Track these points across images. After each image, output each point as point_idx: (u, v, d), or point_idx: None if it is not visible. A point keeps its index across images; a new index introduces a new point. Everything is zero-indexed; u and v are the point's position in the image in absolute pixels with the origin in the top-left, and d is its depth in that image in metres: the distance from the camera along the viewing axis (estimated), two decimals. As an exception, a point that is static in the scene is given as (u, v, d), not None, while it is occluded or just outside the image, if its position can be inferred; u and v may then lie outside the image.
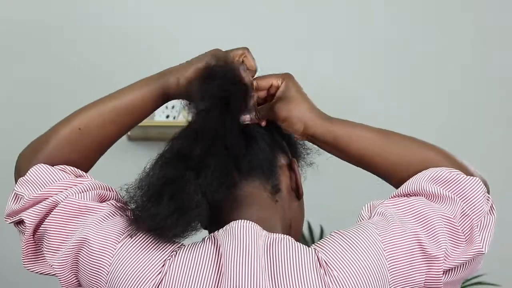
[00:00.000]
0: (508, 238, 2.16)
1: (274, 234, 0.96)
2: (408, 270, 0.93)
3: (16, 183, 1.04)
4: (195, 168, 0.96)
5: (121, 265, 0.94)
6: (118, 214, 1.00)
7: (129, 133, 2.15)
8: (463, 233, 0.97)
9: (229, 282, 0.90)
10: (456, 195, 0.99)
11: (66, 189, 1.00)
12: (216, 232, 0.97)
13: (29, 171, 1.02)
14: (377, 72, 2.38)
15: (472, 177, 1.01)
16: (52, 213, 0.99)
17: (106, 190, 1.04)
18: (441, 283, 0.95)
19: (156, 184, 0.96)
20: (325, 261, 0.92)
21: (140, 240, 0.96)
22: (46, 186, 1.00)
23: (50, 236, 0.99)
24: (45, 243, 1.00)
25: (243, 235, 0.94)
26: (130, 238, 0.96)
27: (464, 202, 0.99)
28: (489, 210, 1.02)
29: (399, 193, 1.03)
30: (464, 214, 0.98)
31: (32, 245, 1.02)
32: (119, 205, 1.01)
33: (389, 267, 0.93)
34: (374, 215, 0.99)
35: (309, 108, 1.05)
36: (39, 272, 1.02)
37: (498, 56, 2.40)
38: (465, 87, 2.40)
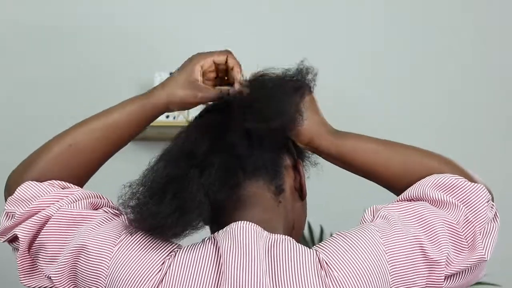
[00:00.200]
0: (508, 238, 2.15)
1: (275, 235, 0.96)
2: (409, 273, 0.93)
3: (6, 202, 1.04)
4: (199, 166, 0.97)
5: (119, 267, 0.94)
6: (113, 219, 1.00)
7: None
8: (465, 239, 0.97)
9: (229, 282, 0.90)
10: (460, 202, 0.99)
11: (58, 201, 1.00)
12: (216, 233, 0.97)
13: (17, 189, 1.02)
14: (377, 72, 2.38)
15: (476, 184, 1.01)
16: (46, 225, 0.99)
17: (98, 198, 1.04)
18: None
19: (159, 182, 0.97)
20: (326, 262, 0.92)
21: (138, 242, 0.96)
22: (36, 199, 1.00)
23: (47, 248, 0.99)
24: (42, 256, 1.00)
25: (243, 236, 0.94)
26: (127, 240, 0.96)
27: (468, 209, 0.99)
28: (493, 218, 1.02)
29: (402, 198, 1.03)
30: (467, 220, 0.98)
31: (28, 260, 1.02)
32: (112, 211, 1.02)
33: (390, 269, 0.93)
34: (376, 218, 0.99)
35: (318, 122, 1.05)
36: (37, 287, 1.02)
37: (498, 56, 2.40)
38: (465, 87, 2.40)
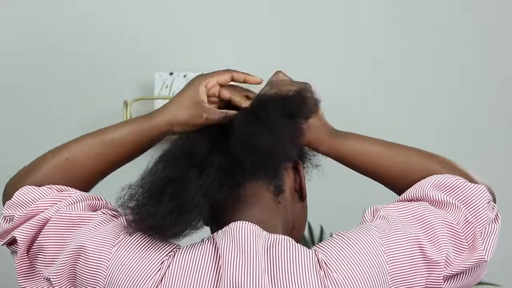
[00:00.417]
0: (508, 238, 2.15)
1: (274, 235, 0.96)
2: (408, 274, 0.93)
3: (4, 206, 1.04)
4: (198, 167, 0.97)
5: (118, 268, 0.94)
6: (111, 220, 1.00)
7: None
8: (466, 240, 0.97)
9: (228, 282, 0.90)
10: (460, 202, 0.99)
11: (56, 203, 1.00)
12: (215, 233, 0.97)
13: (15, 194, 1.02)
14: (377, 72, 2.38)
15: (476, 184, 1.00)
16: (45, 227, 0.99)
17: (96, 200, 1.04)
18: None
19: (158, 183, 0.97)
20: (325, 262, 0.92)
21: (137, 242, 0.96)
22: (35, 202, 1.00)
23: (46, 250, 0.99)
24: (41, 258, 1.00)
25: (242, 236, 0.94)
26: (126, 240, 0.96)
27: (468, 209, 0.99)
28: (494, 219, 1.02)
29: (403, 198, 1.03)
30: (467, 221, 0.98)
31: (26, 263, 1.02)
32: (111, 212, 1.02)
33: (389, 270, 0.93)
34: (376, 218, 0.99)
35: (318, 124, 1.05)
36: None
37: (498, 56, 2.40)
38: (465, 87, 2.39)
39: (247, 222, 0.96)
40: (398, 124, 2.30)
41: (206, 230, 1.04)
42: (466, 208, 0.99)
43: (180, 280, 0.92)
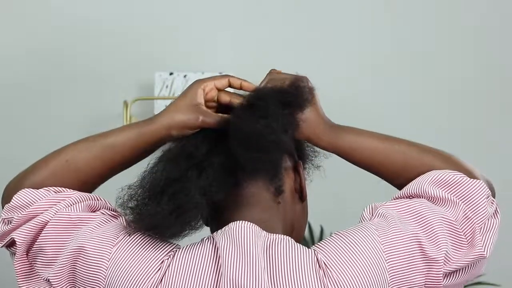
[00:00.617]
0: (508, 238, 2.15)
1: (274, 234, 0.96)
2: (407, 272, 0.93)
3: (3, 210, 1.04)
4: (197, 167, 0.97)
5: (118, 268, 0.94)
6: (111, 220, 1.00)
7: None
8: (464, 236, 0.97)
9: (228, 281, 0.90)
10: (458, 198, 0.99)
11: (55, 205, 1.00)
12: (215, 233, 0.97)
13: (14, 197, 1.02)
14: (377, 72, 2.38)
15: (475, 179, 1.00)
16: (45, 229, 0.99)
17: (95, 200, 1.04)
18: (441, 285, 0.95)
19: (157, 184, 0.97)
20: (324, 262, 0.92)
21: (136, 242, 0.96)
22: (33, 204, 1.00)
23: (45, 252, 0.99)
24: (41, 259, 1.00)
25: (241, 236, 0.94)
26: (126, 240, 0.96)
27: (467, 205, 0.99)
28: (493, 214, 1.01)
29: (401, 195, 1.03)
30: (466, 217, 0.98)
31: (26, 264, 1.02)
32: (110, 212, 1.02)
33: (388, 269, 0.93)
34: (375, 217, 0.99)
35: (317, 120, 1.04)
36: None
37: (498, 56, 2.40)
38: (465, 87, 2.40)
39: (246, 222, 0.96)
40: (397, 124, 2.30)
41: (206, 230, 1.05)
42: (464, 204, 0.99)
43: (180, 280, 0.92)
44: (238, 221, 0.96)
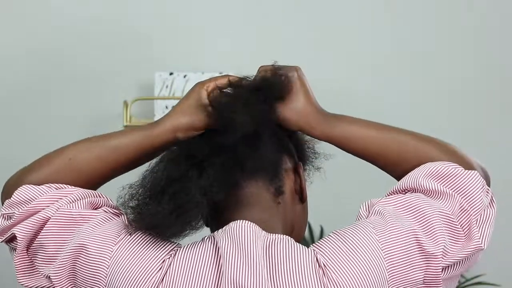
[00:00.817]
0: (508, 238, 2.15)
1: (273, 234, 0.96)
2: (406, 269, 0.94)
3: (3, 205, 1.04)
4: (198, 167, 0.97)
5: (119, 267, 0.94)
6: (112, 218, 1.00)
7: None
8: (462, 229, 0.97)
9: (229, 281, 0.90)
10: (454, 191, 0.99)
11: (57, 201, 1.00)
12: (215, 232, 0.98)
13: (15, 193, 1.02)
14: (376, 72, 2.38)
15: (470, 170, 1.00)
16: (46, 225, 0.99)
17: (97, 197, 1.04)
18: (440, 279, 0.95)
19: (158, 184, 0.97)
20: (323, 263, 0.92)
21: (138, 241, 0.97)
22: (34, 200, 1.00)
23: (46, 248, 0.99)
24: (41, 256, 1.00)
25: (242, 235, 0.94)
26: (127, 239, 0.96)
27: (462, 197, 0.99)
28: (489, 203, 1.01)
29: (396, 189, 1.03)
30: (462, 209, 0.98)
31: (26, 260, 1.02)
32: (111, 210, 1.02)
33: (387, 267, 0.93)
34: (371, 214, 0.99)
35: (309, 110, 1.04)
36: (35, 286, 1.02)
37: (498, 56, 2.40)
38: (465, 87, 2.39)
39: (247, 221, 0.96)
40: (397, 124, 2.30)
41: (206, 230, 1.05)
42: (460, 196, 0.98)
43: (182, 279, 0.92)
44: (238, 220, 0.96)
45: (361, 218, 1.01)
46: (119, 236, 0.97)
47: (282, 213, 1.03)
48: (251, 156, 1.01)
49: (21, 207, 1.01)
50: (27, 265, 1.02)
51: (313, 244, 0.96)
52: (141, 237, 0.97)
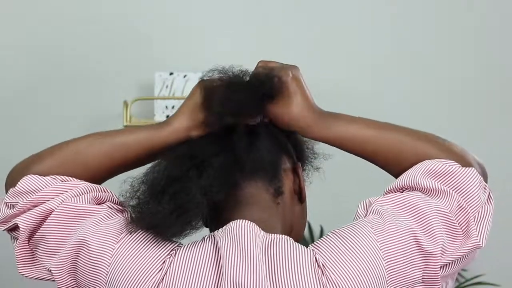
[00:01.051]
0: (508, 238, 2.15)
1: (273, 234, 0.97)
2: (405, 268, 0.94)
3: (7, 193, 1.04)
4: (199, 167, 0.97)
5: (120, 265, 0.94)
6: (116, 215, 1.00)
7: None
8: (460, 227, 0.97)
9: (229, 281, 0.90)
10: (451, 188, 0.99)
11: (62, 193, 1.00)
12: (215, 232, 0.98)
13: (19, 182, 1.01)
14: (376, 72, 2.38)
15: (467, 168, 1.00)
16: (49, 218, 0.99)
17: (102, 192, 1.04)
18: (439, 278, 0.95)
19: (158, 183, 0.97)
20: (322, 263, 0.92)
21: (139, 239, 0.97)
22: (40, 191, 1.00)
23: (48, 241, 0.99)
24: (42, 248, 1.00)
25: (242, 235, 0.94)
26: (129, 237, 0.97)
27: (460, 195, 0.99)
28: (487, 200, 1.01)
29: (394, 187, 1.03)
30: (460, 207, 0.98)
31: (27, 251, 1.02)
32: (115, 206, 1.02)
33: (386, 267, 0.93)
34: (369, 213, 0.99)
35: (303, 112, 1.04)
36: (36, 277, 1.02)
37: (498, 56, 2.40)
38: (465, 87, 2.40)
39: (246, 220, 0.96)
40: (397, 124, 2.30)
41: (206, 230, 1.05)
42: (458, 194, 0.98)
43: (182, 279, 0.92)
44: (238, 220, 0.97)
45: (359, 217, 1.01)
46: (121, 234, 0.97)
47: (281, 213, 1.03)
48: (251, 157, 1.01)
49: (26, 197, 1.00)
50: (28, 255, 1.02)
51: (312, 244, 0.97)
52: (142, 235, 0.97)
